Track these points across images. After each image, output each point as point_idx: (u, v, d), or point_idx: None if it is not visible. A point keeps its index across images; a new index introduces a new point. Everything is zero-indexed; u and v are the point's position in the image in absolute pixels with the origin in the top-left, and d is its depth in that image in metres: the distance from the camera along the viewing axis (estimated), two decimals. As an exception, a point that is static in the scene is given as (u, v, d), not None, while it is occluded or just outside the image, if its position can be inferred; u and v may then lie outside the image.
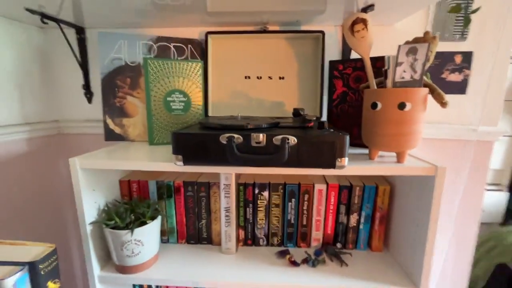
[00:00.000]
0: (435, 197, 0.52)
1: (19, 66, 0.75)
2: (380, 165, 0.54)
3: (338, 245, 0.73)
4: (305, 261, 0.67)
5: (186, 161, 0.51)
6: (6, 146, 0.72)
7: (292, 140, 0.48)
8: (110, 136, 0.76)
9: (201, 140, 0.50)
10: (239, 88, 0.79)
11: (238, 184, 0.70)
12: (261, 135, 0.49)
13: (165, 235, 0.75)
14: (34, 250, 0.45)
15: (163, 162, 0.54)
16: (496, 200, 1.52)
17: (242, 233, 0.74)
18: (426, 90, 0.51)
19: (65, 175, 0.91)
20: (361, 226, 0.71)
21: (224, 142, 0.49)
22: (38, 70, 0.81)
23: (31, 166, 0.80)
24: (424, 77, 0.52)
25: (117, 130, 0.76)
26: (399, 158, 0.55)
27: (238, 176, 0.71)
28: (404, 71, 0.50)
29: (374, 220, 0.70)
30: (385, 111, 0.52)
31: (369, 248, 0.73)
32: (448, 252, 0.91)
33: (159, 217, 0.65)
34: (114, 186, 0.70)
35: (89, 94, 0.85)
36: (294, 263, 0.66)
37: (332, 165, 0.49)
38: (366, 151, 0.63)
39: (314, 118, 0.55)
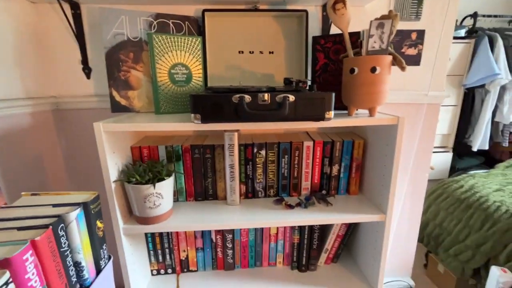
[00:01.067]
0: (398, 141, 0.68)
1: (16, 41, 0.76)
2: (357, 118, 0.68)
3: (323, 191, 0.88)
4: (298, 204, 0.81)
5: (203, 119, 0.61)
6: (7, 120, 0.75)
7: (291, 98, 0.60)
8: (116, 107, 0.81)
9: (216, 101, 0.60)
10: (233, 62, 0.88)
11: (239, 145, 0.81)
12: (266, 94, 0.60)
13: (174, 195, 0.84)
14: (81, 196, 0.52)
15: (183, 123, 0.63)
16: (443, 159, 1.82)
17: (243, 188, 0.86)
18: (390, 57, 0.65)
19: (64, 148, 0.94)
20: (341, 175, 0.87)
21: (236, 102, 0.59)
22: (34, 46, 0.82)
23: (32, 139, 0.83)
24: (390, 49, 0.66)
25: (123, 102, 0.82)
26: (371, 113, 0.70)
27: (239, 137, 0.82)
28: (375, 42, 0.64)
29: (352, 169, 0.86)
30: (360, 75, 0.66)
31: (347, 193, 0.90)
32: (405, 201, 1.12)
33: (173, 175, 0.75)
34: (126, 152, 0.77)
35: (87, 70, 0.88)
36: (289, 206, 0.80)
37: (322, 117, 0.62)
38: (344, 112, 0.77)
39: (308, 80, 0.67)
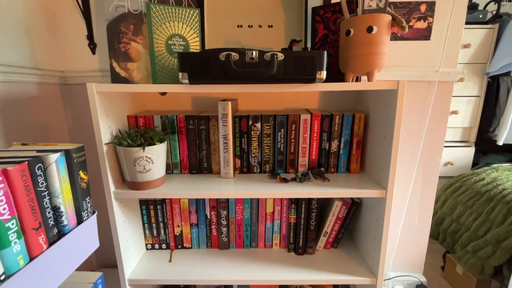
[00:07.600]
0: (398, 108, 0.63)
1: (26, 13, 0.81)
2: (352, 83, 0.64)
3: (322, 169, 0.84)
4: (294, 179, 0.78)
5: (191, 79, 0.60)
6: (14, 86, 0.79)
7: (280, 55, 0.58)
8: (116, 78, 0.83)
9: (203, 58, 0.59)
10: (232, 36, 0.88)
11: (234, 117, 0.80)
12: (254, 51, 0.58)
13: (169, 169, 0.84)
14: (67, 146, 0.53)
15: (169, 84, 0.63)
16: (464, 155, 1.69)
17: (238, 162, 0.84)
18: (389, 16, 0.61)
19: (70, 120, 0.98)
20: (341, 151, 0.83)
21: (223, 59, 0.58)
22: (43, 20, 0.87)
23: (39, 109, 0.87)
24: (389, 9, 0.62)
25: (123, 73, 0.84)
26: (369, 78, 0.66)
27: (234, 108, 0.81)
28: (371, 0, 0.61)
29: (352, 145, 0.82)
30: (356, 36, 0.62)
31: (348, 172, 0.85)
32: (414, 188, 1.04)
33: (166, 142, 0.74)
34: (122, 120, 0.79)
35: (92, 45, 0.91)
36: (284, 180, 0.77)
37: (313, 78, 0.60)
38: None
39: (299, 39, 0.65)
